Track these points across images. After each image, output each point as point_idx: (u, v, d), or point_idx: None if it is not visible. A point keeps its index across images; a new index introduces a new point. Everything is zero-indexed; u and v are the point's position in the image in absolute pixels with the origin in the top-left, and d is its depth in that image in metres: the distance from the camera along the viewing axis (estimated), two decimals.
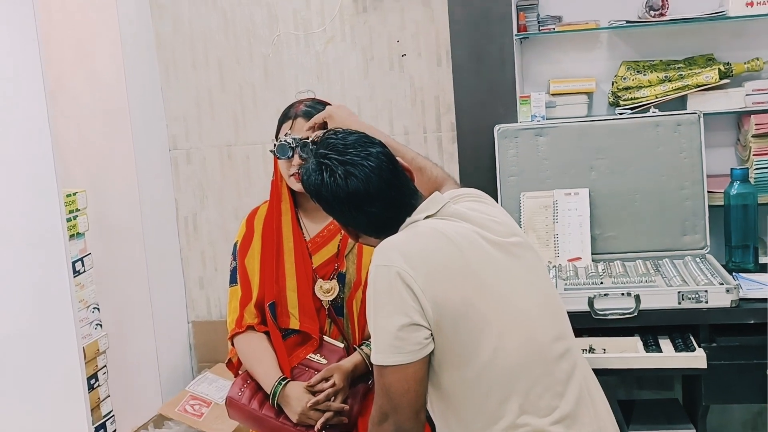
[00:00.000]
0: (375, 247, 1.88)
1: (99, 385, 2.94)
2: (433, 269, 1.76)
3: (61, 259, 2.53)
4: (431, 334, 1.76)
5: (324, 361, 2.36)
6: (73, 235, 2.85)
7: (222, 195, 3.53)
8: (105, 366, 2.97)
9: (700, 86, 2.87)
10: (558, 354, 1.82)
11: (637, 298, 2.42)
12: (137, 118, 3.33)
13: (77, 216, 2.88)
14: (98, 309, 2.97)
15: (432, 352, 1.78)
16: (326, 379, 2.27)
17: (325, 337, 2.41)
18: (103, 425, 2.93)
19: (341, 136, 1.94)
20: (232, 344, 2.45)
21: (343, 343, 2.40)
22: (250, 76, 3.45)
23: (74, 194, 2.88)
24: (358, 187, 1.86)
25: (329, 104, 2.44)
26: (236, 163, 3.50)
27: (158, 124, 3.51)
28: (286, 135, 2.35)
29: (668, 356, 2.36)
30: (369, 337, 2.40)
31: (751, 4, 2.80)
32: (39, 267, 2.53)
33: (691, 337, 2.42)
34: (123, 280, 3.33)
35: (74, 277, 2.81)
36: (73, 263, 2.81)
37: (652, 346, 2.40)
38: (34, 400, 2.55)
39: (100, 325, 2.98)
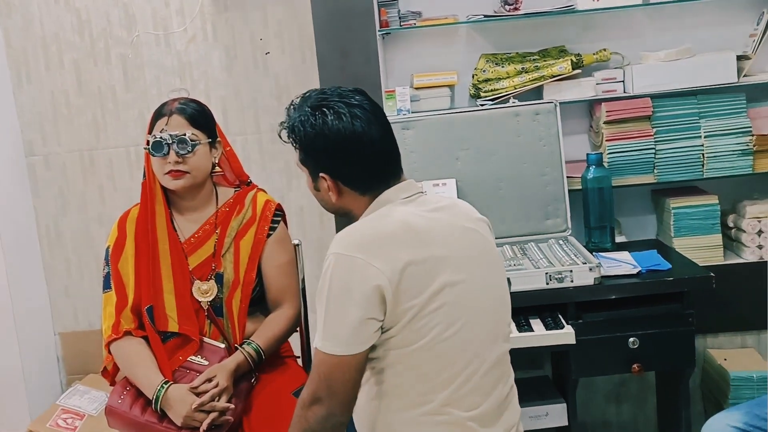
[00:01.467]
0: (351, 212, 1.87)
1: None
2: (400, 266, 1.74)
3: None
4: (381, 326, 1.76)
5: (206, 363, 2.34)
6: None
7: (85, 201, 3.42)
8: None
9: (554, 77, 3.00)
10: (496, 357, 1.85)
11: (508, 280, 2.50)
12: None
13: None
14: None
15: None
16: (209, 380, 2.25)
17: (206, 339, 2.39)
18: None
19: (329, 90, 1.89)
20: (109, 351, 2.39)
21: (224, 343, 2.39)
22: (109, 78, 3.35)
23: None
24: (362, 128, 1.81)
25: (203, 103, 2.42)
26: (98, 167, 3.40)
27: (12, 129, 3.35)
28: (161, 131, 2.32)
29: (540, 335, 2.47)
30: (250, 335, 2.40)
31: None
32: None
33: (560, 316, 2.54)
34: None
35: None
36: None
37: (524, 326, 2.51)
38: None
39: None
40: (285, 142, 1.95)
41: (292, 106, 1.93)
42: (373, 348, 1.80)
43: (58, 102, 3.37)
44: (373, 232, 1.79)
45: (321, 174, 1.89)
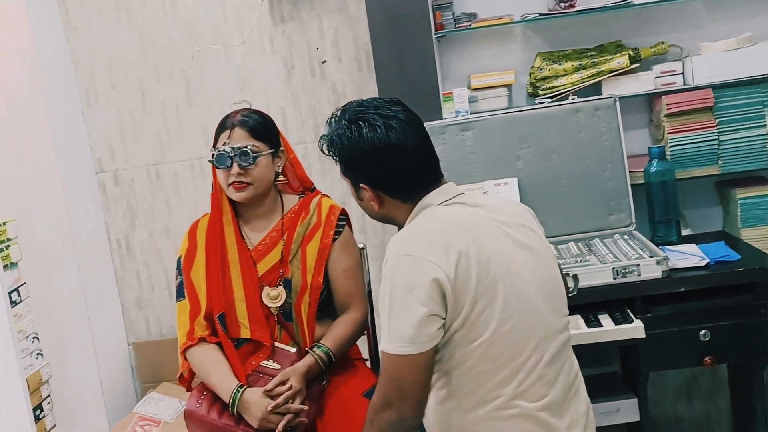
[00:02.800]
0: (392, 220, 1.91)
1: (45, 416, 2.90)
2: (456, 261, 1.77)
3: None
4: (443, 323, 1.79)
5: (278, 367, 2.38)
6: (7, 265, 2.80)
7: (152, 214, 3.51)
8: (49, 395, 2.93)
9: (612, 72, 2.99)
10: (556, 346, 1.88)
11: (575, 277, 2.50)
12: (61, 143, 3.28)
13: (9, 246, 2.84)
14: (38, 338, 2.92)
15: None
16: (283, 383, 2.30)
17: (277, 343, 2.44)
18: None
19: (366, 101, 1.95)
20: (184, 358, 2.45)
21: (294, 347, 2.44)
22: (172, 93, 3.44)
23: (4, 224, 2.84)
24: (398, 139, 1.86)
25: (265, 114, 2.48)
26: (164, 181, 3.49)
27: (82, 148, 3.46)
28: (224, 144, 2.38)
29: (609, 329, 2.46)
30: (319, 339, 2.45)
31: None
32: None
33: (628, 310, 2.53)
34: (60, 307, 3.27)
35: (11, 307, 2.76)
36: (9, 294, 2.77)
37: (593, 321, 2.50)
38: None
39: (41, 355, 2.93)
40: (326, 155, 2.00)
41: (332, 119, 1.98)
42: (437, 350, 1.83)
43: (125, 119, 3.46)
44: (426, 231, 1.84)
45: (361, 185, 1.95)
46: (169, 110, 3.45)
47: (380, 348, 1.84)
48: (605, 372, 3.09)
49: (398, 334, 1.79)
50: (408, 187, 1.91)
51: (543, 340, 1.85)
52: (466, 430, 1.85)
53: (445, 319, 1.79)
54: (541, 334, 1.85)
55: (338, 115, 1.96)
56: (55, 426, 2.92)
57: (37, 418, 2.82)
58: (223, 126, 2.42)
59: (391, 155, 1.87)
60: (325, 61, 3.36)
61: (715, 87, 2.93)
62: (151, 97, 3.45)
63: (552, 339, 1.87)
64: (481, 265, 1.80)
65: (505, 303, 1.81)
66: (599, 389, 2.79)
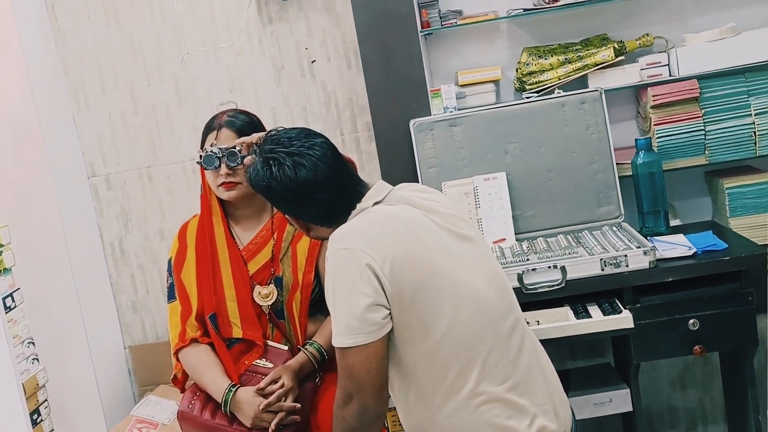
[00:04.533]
0: (327, 238, 1.95)
1: (42, 420, 2.90)
2: (392, 251, 1.84)
3: None
4: (389, 314, 1.84)
5: (270, 365, 2.40)
6: (0, 271, 2.81)
7: (146, 217, 3.52)
8: (46, 400, 2.93)
9: (598, 65, 3.01)
10: (509, 326, 1.93)
11: (563, 269, 2.54)
12: (52, 148, 3.30)
13: (2, 251, 2.85)
14: (33, 343, 2.93)
15: (391, 330, 1.85)
16: (275, 381, 2.32)
17: (269, 342, 2.46)
18: None
19: (283, 132, 2.02)
20: (177, 359, 2.47)
21: (286, 345, 2.45)
22: (163, 96, 3.45)
23: None
24: (307, 176, 1.93)
25: (251, 113, 2.49)
26: (157, 184, 3.50)
27: (74, 152, 3.47)
28: (212, 145, 2.40)
29: (598, 320, 2.48)
30: (311, 336, 2.46)
31: None
32: None
33: (617, 301, 2.55)
34: (55, 311, 3.28)
35: (6, 313, 2.78)
36: (3, 299, 2.78)
37: (581, 313, 2.52)
38: None
39: (37, 359, 2.94)
40: None
41: (254, 152, 2.05)
42: (394, 350, 1.88)
43: (116, 123, 3.48)
44: (360, 225, 1.92)
45: (285, 215, 2.07)
46: (160, 113, 3.46)
47: (332, 343, 1.89)
48: (598, 363, 3.11)
49: (345, 326, 1.84)
50: (327, 217, 1.99)
51: (494, 322, 1.91)
52: (441, 426, 1.88)
53: (390, 309, 1.83)
54: (491, 318, 1.90)
55: (257, 150, 2.03)
56: (53, 430, 2.94)
57: (34, 423, 2.84)
58: (210, 127, 2.44)
59: (304, 193, 1.95)
60: (314, 61, 3.38)
61: (701, 78, 2.94)
62: (141, 100, 3.46)
63: (504, 319, 1.93)
64: (416, 257, 1.86)
65: (450, 293, 1.86)
66: (592, 380, 2.82)
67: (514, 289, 2.08)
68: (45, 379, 2.93)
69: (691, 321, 2.52)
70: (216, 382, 2.35)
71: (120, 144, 3.49)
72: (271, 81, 3.40)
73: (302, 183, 1.94)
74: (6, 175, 3.18)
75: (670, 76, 2.99)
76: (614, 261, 2.54)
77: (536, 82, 3.06)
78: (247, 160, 2.23)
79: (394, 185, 2.08)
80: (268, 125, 2.62)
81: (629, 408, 2.68)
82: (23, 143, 3.23)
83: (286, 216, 2.07)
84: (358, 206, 1.97)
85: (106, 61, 3.45)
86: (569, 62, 3.04)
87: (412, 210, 1.95)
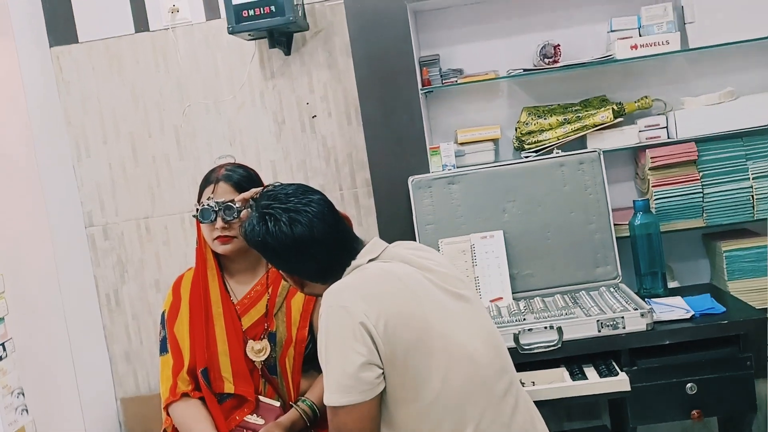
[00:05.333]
0: (321, 294, 1.94)
1: None
2: (387, 309, 1.83)
3: None
4: (383, 373, 1.82)
5: (261, 421, 2.37)
6: None
7: (142, 267, 3.51)
8: None
9: (597, 126, 3.02)
10: (502, 387, 1.90)
11: (560, 330, 2.52)
12: (51, 197, 3.31)
13: None
14: (23, 394, 2.91)
15: (384, 389, 1.83)
16: None
17: (261, 398, 2.43)
18: None
19: (280, 188, 2.02)
20: (167, 413, 2.44)
21: (278, 401, 2.42)
22: (163, 147, 3.47)
23: None
24: (303, 232, 1.92)
25: (249, 168, 2.50)
26: (154, 234, 3.50)
27: (73, 202, 3.48)
28: (208, 199, 2.40)
29: (594, 383, 2.45)
30: (304, 393, 2.44)
31: (635, 47, 2.98)
32: None
33: (614, 363, 2.53)
34: (47, 362, 3.25)
35: None
36: None
37: (577, 374, 2.49)
38: None
39: (27, 411, 2.91)
40: None
41: (251, 206, 2.06)
42: (386, 409, 1.86)
43: (116, 173, 3.49)
44: (355, 281, 1.91)
45: (279, 271, 2.06)
46: (160, 164, 3.48)
47: (324, 401, 1.86)
48: (594, 425, 3.07)
49: (337, 384, 1.82)
50: (321, 273, 1.99)
51: (487, 383, 1.89)
52: None
53: (383, 369, 1.81)
54: (485, 379, 1.88)
55: (253, 204, 2.04)
56: None
57: None
58: (208, 181, 2.44)
59: (299, 249, 1.95)
60: (315, 116, 3.40)
61: (699, 140, 2.96)
62: (142, 150, 3.48)
63: (498, 380, 1.91)
64: (411, 316, 1.85)
65: (444, 354, 1.85)
66: None
67: (509, 348, 2.07)
68: (34, 431, 2.89)
69: (689, 385, 2.50)
70: None
71: (119, 194, 3.50)
72: (271, 135, 3.42)
73: (298, 239, 1.93)
74: (3, 222, 3.18)
75: (668, 138, 3.01)
76: (611, 323, 2.52)
77: (535, 142, 3.08)
78: (244, 214, 2.23)
79: (391, 241, 2.08)
80: (268, 179, 2.63)
81: None
82: (22, 192, 3.23)
83: (280, 271, 2.07)
84: (353, 263, 1.96)
85: (108, 112, 3.47)
86: (568, 122, 3.06)
87: (408, 268, 1.94)
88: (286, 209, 1.95)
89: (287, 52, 3.35)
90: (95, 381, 3.45)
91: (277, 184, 2.07)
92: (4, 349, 2.84)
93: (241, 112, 3.43)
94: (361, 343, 1.80)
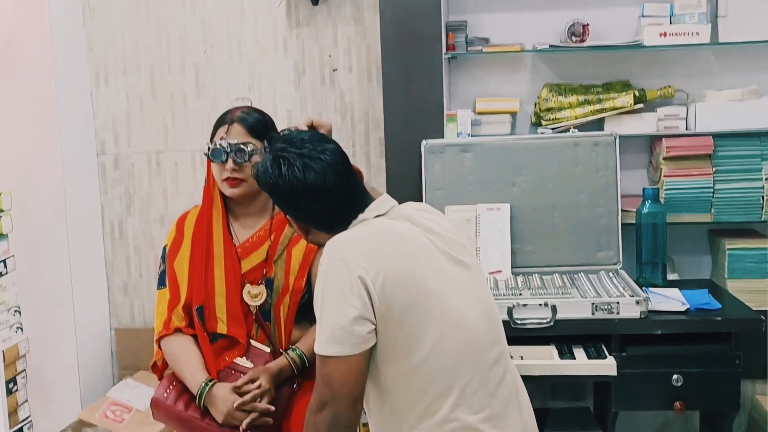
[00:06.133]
0: (324, 244, 1.94)
1: (17, 390, 2.90)
2: (387, 266, 1.83)
3: None
4: (375, 329, 1.83)
5: (250, 365, 2.39)
6: None
7: (149, 201, 3.53)
8: (24, 370, 2.93)
9: (616, 110, 3.01)
10: (492, 358, 1.92)
11: (554, 308, 2.53)
12: (65, 121, 3.32)
13: (1, 217, 2.85)
14: (19, 312, 2.94)
15: (374, 345, 1.85)
16: (252, 381, 2.31)
17: (252, 342, 2.45)
18: (20, 430, 2.89)
19: (296, 132, 2.01)
20: (159, 346, 2.46)
21: (269, 347, 2.44)
22: (182, 84, 3.47)
23: None
24: (315, 179, 1.92)
25: (265, 113, 2.50)
26: (164, 170, 3.51)
27: (87, 128, 3.49)
28: (221, 139, 2.40)
29: (581, 363, 2.47)
30: (295, 342, 2.46)
31: (665, 34, 2.96)
32: None
33: (603, 346, 2.54)
34: (46, 283, 3.29)
35: None
36: None
37: (566, 354, 2.51)
38: None
39: (21, 329, 2.94)
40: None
41: (265, 148, 2.03)
42: (374, 365, 1.87)
43: (132, 105, 3.49)
44: (360, 236, 1.91)
45: (285, 216, 2.05)
46: (177, 101, 3.48)
47: (314, 349, 1.88)
48: (577, 406, 3.09)
49: (329, 334, 1.83)
50: (329, 222, 1.98)
51: (479, 351, 1.90)
52: None
53: (376, 325, 1.83)
54: (476, 347, 1.89)
55: (267, 147, 2.01)
56: (26, 401, 2.93)
57: (9, 392, 2.83)
58: (222, 121, 2.44)
59: (310, 196, 1.94)
60: (336, 70, 3.39)
61: (716, 135, 2.94)
62: (160, 85, 3.48)
63: (488, 350, 1.92)
64: (410, 275, 1.85)
65: (439, 317, 1.86)
66: (569, 423, 2.81)
67: (502, 322, 2.07)
68: (26, 350, 2.93)
69: (675, 376, 2.51)
70: (194, 374, 2.34)
71: (133, 126, 3.50)
72: (290, 84, 3.42)
73: (309, 186, 1.92)
74: (16, 141, 3.20)
75: (686, 129, 3.00)
76: (606, 306, 2.53)
77: (553, 119, 3.07)
78: (255, 158, 2.23)
79: (399, 203, 2.08)
80: (282, 127, 2.62)
81: None
82: (38, 113, 3.25)
83: (287, 216, 2.06)
84: (360, 216, 1.96)
85: (131, 43, 3.47)
86: (588, 103, 3.04)
87: (413, 228, 1.94)
88: (300, 154, 1.93)
89: (315, 2, 3.33)
90: (91, 308, 3.49)
91: (292, 128, 2.06)
92: (5, 266, 2.86)
93: (263, 58, 3.42)
94: (357, 297, 1.81)
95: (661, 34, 2.94)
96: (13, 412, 2.85)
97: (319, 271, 1.89)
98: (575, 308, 2.54)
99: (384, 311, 1.83)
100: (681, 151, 2.94)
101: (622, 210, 2.93)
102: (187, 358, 2.39)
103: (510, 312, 2.53)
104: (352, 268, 1.82)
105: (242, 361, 2.41)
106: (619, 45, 3.02)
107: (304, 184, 1.92)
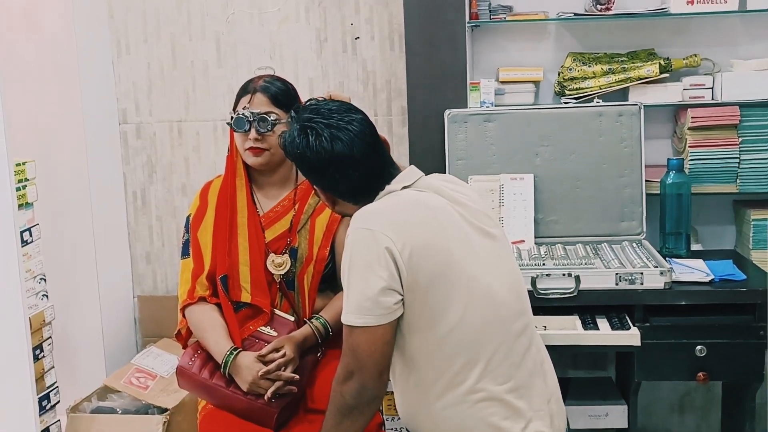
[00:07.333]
0: (351, 215, 1.94)
1: (44, 356, 2.94)
2: (414, 237, 1.84)
3: (9, 228, 2.51)
4: (402, 300, 1.84)
5: (274, 334, 2.41)
6: (22, 204, 2.83)
7: (171, 170, 3.54)
8: (50, 337, 2.97)
9: (641, 79, 2.98)
10: (518, 328, 1.92)
11: (577, 278, 2.52)
12: (87, 90, 3.32)
13: (26, 186, 2.87)
14: (45, 280, 2.96)
15: (401, 316, 1.86)
16: (277, 350, 2.32)
17: (276, 311, 2.46)
18: (47, 396, 2.92)
19: (324, 102, 2.00)
20: (183, 315, 2.48)
21: (293, 316, 2.46)
22: (203, 52, 3.46)
23: (23, 164, 2.86)
24: (342, 150, 1.91)
25: (288, 82, 2.49)
26: (186, 139, 3.51)
27: (109, 97, 3.49)
28: (244, 108, 2.39)
29: (605, 334, 2.47)
30: (319, 311, 2.47)
31: (692, 2, 2.91)
32: None
33: (627, 317, 2.54)
34: (70, 252, 3.32)
35: (22, 246, 2.80)
36: (21, 233, 2.80)
37: (589, 324, 2.51)
38: None
39: (47, 296, 2.97)
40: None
41: (292, 118, 2.02)
42: (401, 335, 1.88)
43: (153, 73, 3.49)
44: (387, 207, 1.91)
45: (312, 186, 2.05)
46: (198, 69, 3.47)
47: (341, 319, 1.89)
48: (599, 376, 3.10)
49: (357, 305, 1.84)
50: (355, 193, 1.98)
51: (505, 322, 1.90)
52: (436, 416, 1.89)
53: (403, 296, 1.83)
54: (502, 318, 1.90)
55: (294, 116, 2.00)
56: (53, 367, 2.97)
57: (36, 358, 2.86)
58: (245, 90, 2.43)
59: (337, 166, 1.93)
60: (358, 38, 3.37)
61: (743, 105, 2.91)
62: (181, 54, 3.47)
63: (514, 321, 1.92)
64: (437, 247, 1.85)
65: (465, 288, 1.86)
66: (591, 392, 2.82)
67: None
68: (52, 317, 2.96)
69: (699, 347, 2.51)
70: (218, 343, 2.36)
71: (154, 95, 3.50)
72: (312, 52, 3.40)
73: (337, 156, 1.92)
74: (39, 110, 3.21)
75: (712, 99, 2.96)
76: (629, 277, 2.53)
77: (577, 89, 3.04)
78: (278, 128, 2.22)
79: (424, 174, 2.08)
80: (304, 96, 2.61)
81: (624, 425, 2.68)
82: (60, 82, 3.25)
83: (314, 186, 2.06)
84: (387, 188, 1.96)
85: (152, 11, 3.46)
86: (612, 73, 3.01)
87: (440, 199, 1.94)
88: (328, 125, 1.93)
89: None
90: (115, 276, 3.51)
91: (320, 98, 2.05)
92: (30, 234, 2.88)
93: (284, 26, 3.40)
94: (384, 268, 1.81)
95: (687, 2, 2.91)
96: (39, 378, 2.88)
97: (346, 242, 1.89)
98: (599, 279, 2.54)
99: (411, 283, 1.83)
100: (707, 122, 2.91)
101: (646, 180, 2.91)
102: (211, 326, 2.40)
103: (533, 282, 2.53)
104: (380, 240, 1.82)
105: (266, 330, 2.43)
106: (644, 13, 2.98)
107: (331, 154, 1.92)
